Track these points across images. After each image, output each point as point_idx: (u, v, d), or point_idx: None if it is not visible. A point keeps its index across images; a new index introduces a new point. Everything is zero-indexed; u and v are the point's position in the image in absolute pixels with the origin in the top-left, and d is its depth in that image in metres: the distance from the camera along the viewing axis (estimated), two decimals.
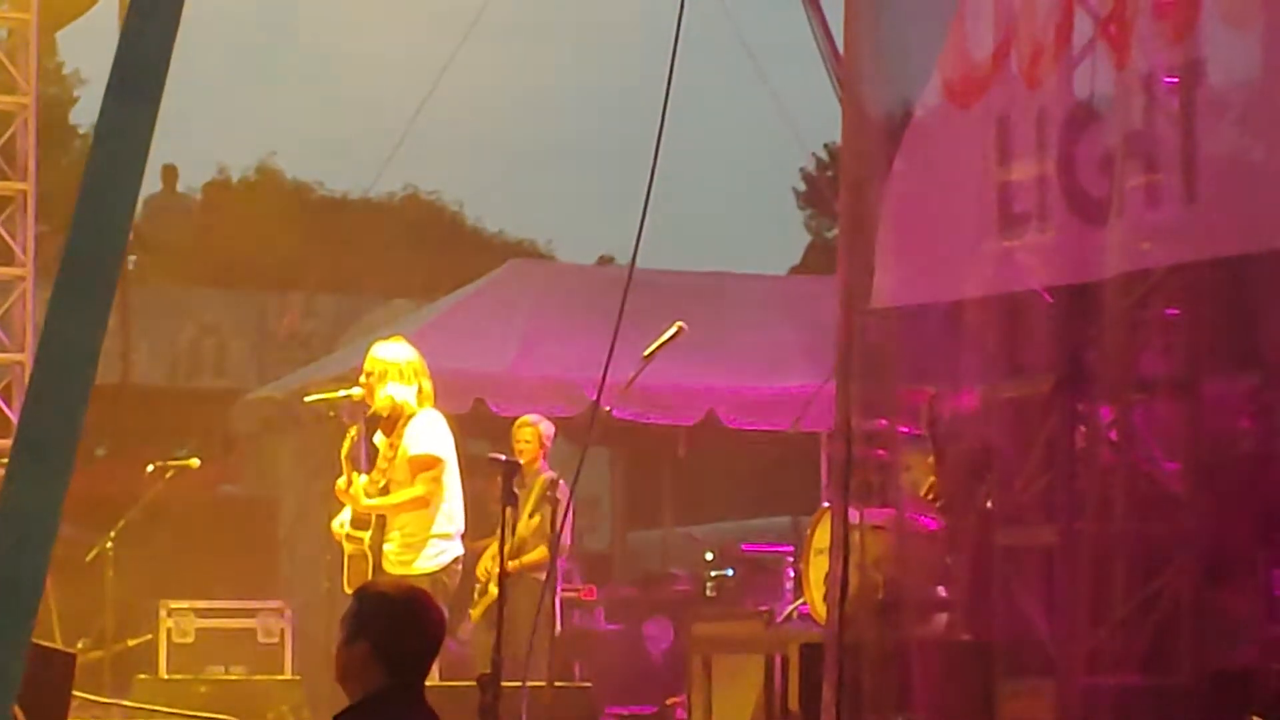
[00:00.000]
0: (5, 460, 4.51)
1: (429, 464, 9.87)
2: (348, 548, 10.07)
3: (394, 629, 5.26)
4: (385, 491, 9.95)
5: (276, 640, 13.67)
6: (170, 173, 22.10)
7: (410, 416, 9.94)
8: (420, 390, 9.99)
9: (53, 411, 3.10)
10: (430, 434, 9.92)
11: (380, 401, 9.94)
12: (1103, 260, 6.81)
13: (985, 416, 7.39)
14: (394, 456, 9.93)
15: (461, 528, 10.05)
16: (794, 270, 29.85)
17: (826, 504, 11.25)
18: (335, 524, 10.20)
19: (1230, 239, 6.47)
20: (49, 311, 3.11)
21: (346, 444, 9.98)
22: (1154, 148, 6.65)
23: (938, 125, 7.58)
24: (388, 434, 10.00)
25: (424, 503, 9.86)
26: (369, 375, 10.02)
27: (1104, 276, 6.82)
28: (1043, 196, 7.03)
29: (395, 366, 9.99)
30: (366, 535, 9.97)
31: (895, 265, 7.79)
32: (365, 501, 9.93)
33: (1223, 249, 6.50)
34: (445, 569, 9.89)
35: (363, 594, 5.47)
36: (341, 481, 10.02)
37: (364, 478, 10.04)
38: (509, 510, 9.25)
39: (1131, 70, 6.70)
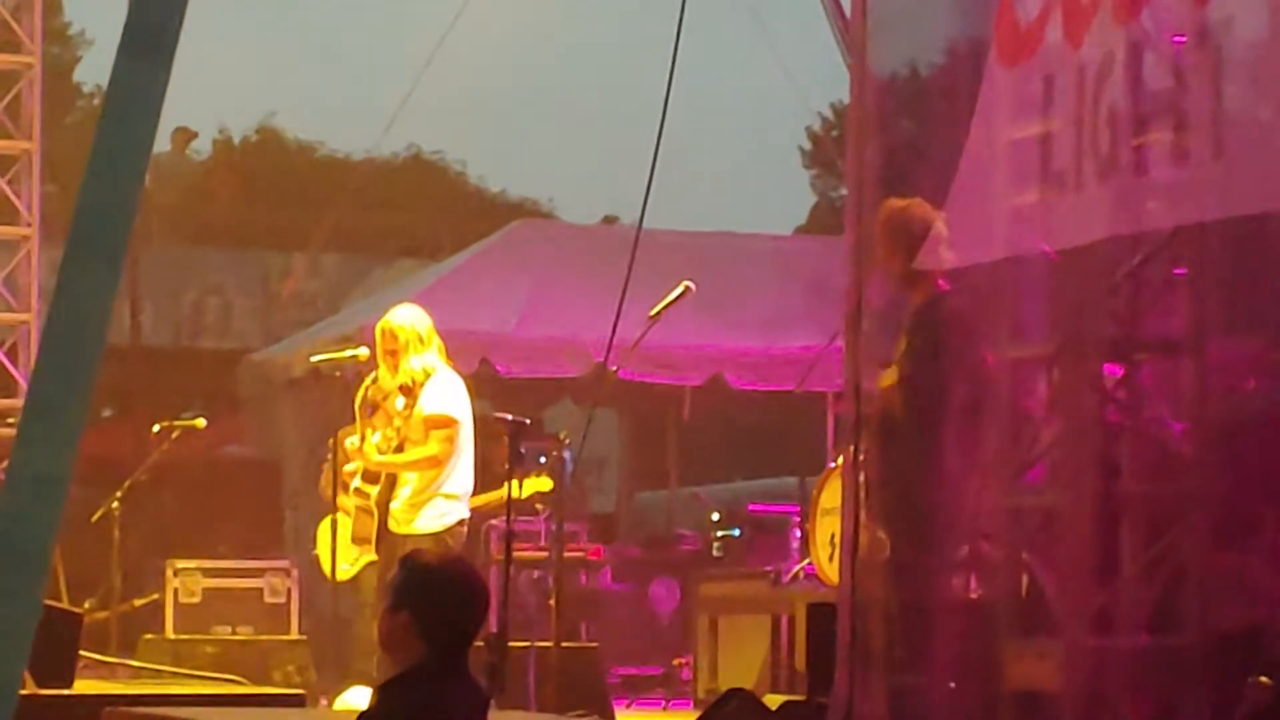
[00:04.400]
0: (14, 421, 4.50)
1: (444, 423, 9.85)
2: (355, 500, 10.06)
3: (434, 601, 5.27)
4: (400, 449, 9.93)
5: (283, 600, 13.66)
6: (183, 135, 21.95)
7: (430, 375, 9.91)
8: (439, 350, 9.98)
9: (64, 372, 3.09)
10: (447, 394, 9.90)
11: (404, 373, 9.86)
12: (1111, 219, 6.80)
13: (994, 375, 7.37)
14: (409, 415, 9.90)
15: (469, 489, 10.04)
16: (799, 230, 29.79)
17: (833, 464, 11.27)
18: (346, 469, 10.16)
19: (1241, 199, 6.44)
20: (61, 271, 3.10)
21: (361, 392, 9.95)
22: (1165, 106, 6.63)
23: (974, 86, 7.50)
24: (404, 393, 9.96)
25: (437, 462, 9.84)
26: (392, 345, 9.89)
27: (1112, 235, 6.81)
28: (1078, 156, 6.99)
29: (415, 334, 9.94)
30: (374, 490, 9.97)
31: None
32: (377, 458, 9.92)
33: (1232, 209, 6.47)
34: (449, 530, 9.89)
35: (407, 563, 5.47)
36: (354, 439, 10.01)
37: (378, 435, 10.00)
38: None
39: (1147, 29, 6.68)
